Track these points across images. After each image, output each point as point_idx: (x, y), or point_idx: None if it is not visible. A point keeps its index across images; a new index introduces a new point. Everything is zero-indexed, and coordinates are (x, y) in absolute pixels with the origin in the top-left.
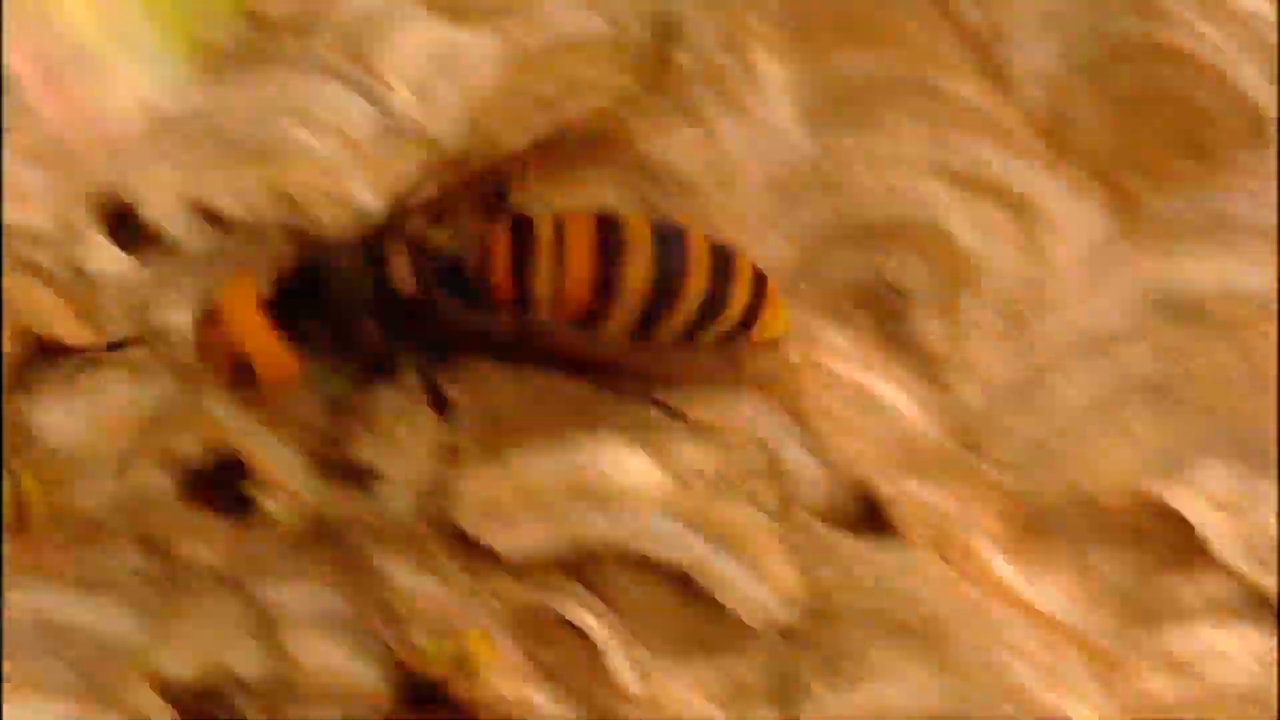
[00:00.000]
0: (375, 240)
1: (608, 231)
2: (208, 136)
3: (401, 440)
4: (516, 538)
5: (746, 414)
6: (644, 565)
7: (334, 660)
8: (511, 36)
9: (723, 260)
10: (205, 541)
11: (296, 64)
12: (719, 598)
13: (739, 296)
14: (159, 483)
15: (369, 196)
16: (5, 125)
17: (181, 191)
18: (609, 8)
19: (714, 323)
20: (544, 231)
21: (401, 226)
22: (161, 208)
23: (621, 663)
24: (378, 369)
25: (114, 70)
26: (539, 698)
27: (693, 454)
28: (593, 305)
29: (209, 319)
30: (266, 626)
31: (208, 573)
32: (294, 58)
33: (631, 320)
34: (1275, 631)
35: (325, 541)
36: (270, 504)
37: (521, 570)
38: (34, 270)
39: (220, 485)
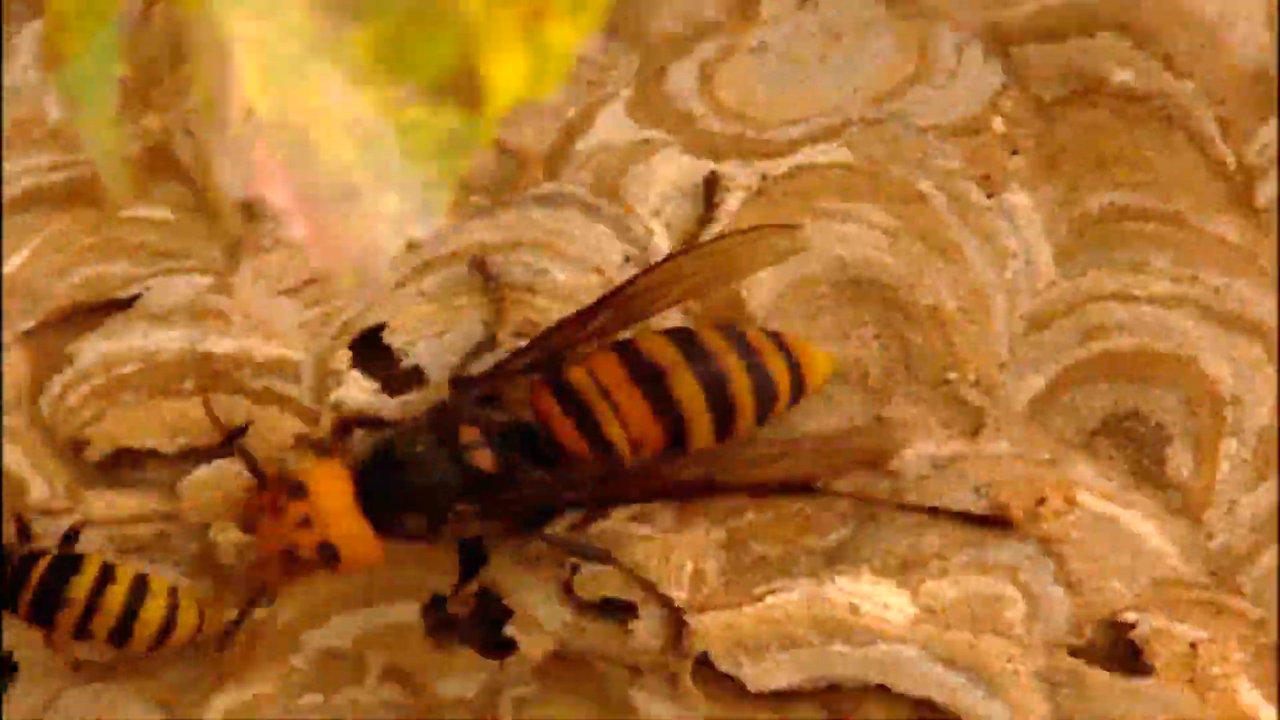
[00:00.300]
0: (442, 421)
1: (633, 359)
2: (458, 267)
3: (653, 574)
4: (765, 671)
5: (1000, 552)
6: (897, 699)
7: None
8: (758, 168)
9: (744, 344)
10: (458, 675)
11: (546, 197)
12: None
13: (779, 367)
14: (410, 618)
15: None
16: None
17: (430, 322)
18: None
19: (774, 402)
20: (580, 379)
21: (465, 404)
22: (409, 337)
23: None
24: (472, 554)
25: (372, 203)
26: None
27: (942, 587)
28: (665, 431)
29: (285, 495)
30: None
31: (460, 705)
32: (544, 191)
33: (707, 431)
34: None
35: (575, 672)
36: (525, 639)
37: (771, 702)
38: (284, 403)
39: (481, 624)
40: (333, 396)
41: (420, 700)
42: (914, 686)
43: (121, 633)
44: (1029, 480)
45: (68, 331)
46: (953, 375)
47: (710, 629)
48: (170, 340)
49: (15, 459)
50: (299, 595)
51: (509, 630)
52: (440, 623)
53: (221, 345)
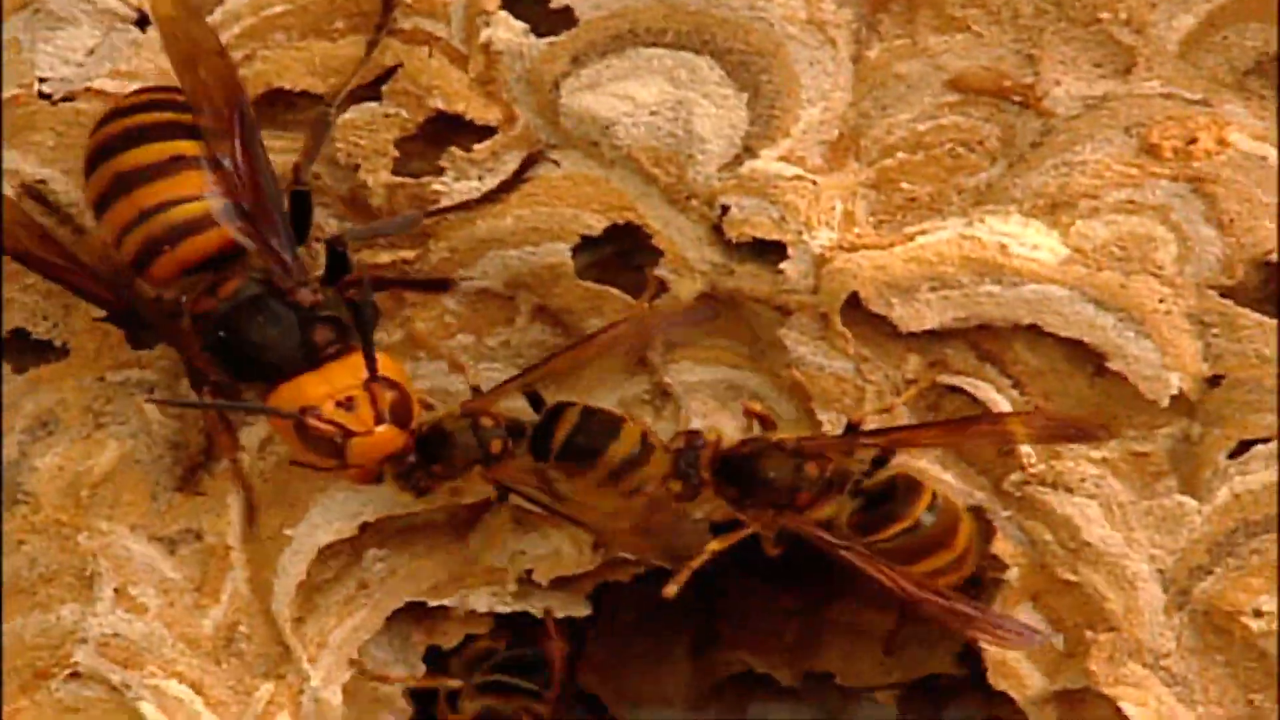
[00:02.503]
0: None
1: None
2: None
3: (803, 214)
4: (915, 311)
5: (1155, 192)
6: (1045, 340)
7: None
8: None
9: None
10: (608, 316)
11: None
12: (1122, 372)
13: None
14: (560, 258)
15: None
16: None
17: None
18: None
19: None
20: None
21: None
22: None
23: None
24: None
25: None
26: (946, 476)
27: (1094, 227)
28: None
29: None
30: (662, 399)
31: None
32: None
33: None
34: None
35: (724, 314)
36: (673, 277)
37: (920, 343)
38: (433, 43)
39: (624, 262)
40: (482, 36)
41: (570, 341)
42: (1064, 327)
43: None
44: (1180, 119)
45: None
46: (1104, 14)
47: (860, 269)
48: None
49: None
50: (449, 234)
51: (659, 271)
52: (591, 264)
53: None
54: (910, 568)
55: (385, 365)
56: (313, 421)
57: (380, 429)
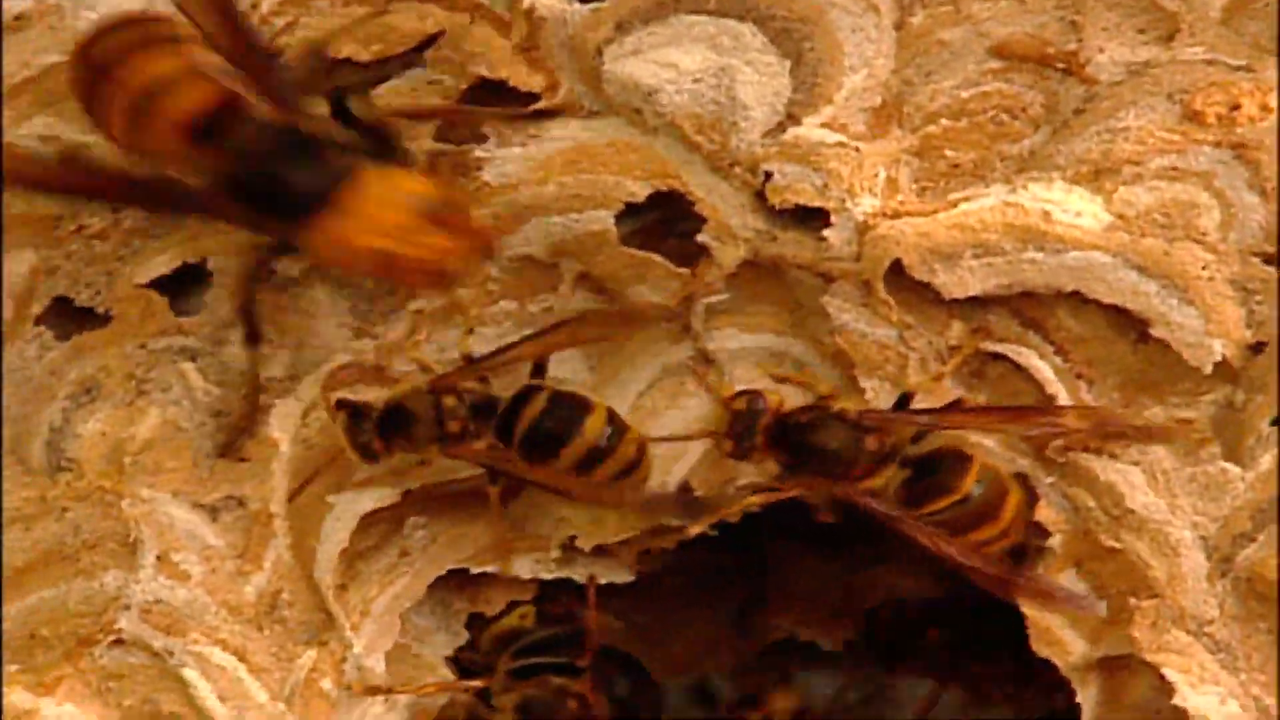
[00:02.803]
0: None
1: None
2: None
3: (846, 180)
4: (958, 278)
5: (1198, 158)
6: (1089, 307)
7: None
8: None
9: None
10: (651, 282)
11: None
12: (1165, 339)
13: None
14: (603, 225)
15: None
16: None
17: None
18: None
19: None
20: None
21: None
22: None
23: (1066, 403)
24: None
25: None
26: (988, 442)
27: (1137, 194)
28: None
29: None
30: (705, 365)
31: (654, 312)
32: None
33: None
34: None
35: (767, 281)
36: (715, 244)
37: (963, 310)
38: (477, 10)
39: (667, 229)
40: (525, 2)
41: (613, 307)
42: (1107, 293)
43: None
44: (1223, 86)
45: None
46: None
47: (903, 236)
48: None
49: None
50: (492, 200)
51: (702, 238)
52: (634, 231)
53: None
54: (957, 538)
55: (411, 180)
56: (405, 253)
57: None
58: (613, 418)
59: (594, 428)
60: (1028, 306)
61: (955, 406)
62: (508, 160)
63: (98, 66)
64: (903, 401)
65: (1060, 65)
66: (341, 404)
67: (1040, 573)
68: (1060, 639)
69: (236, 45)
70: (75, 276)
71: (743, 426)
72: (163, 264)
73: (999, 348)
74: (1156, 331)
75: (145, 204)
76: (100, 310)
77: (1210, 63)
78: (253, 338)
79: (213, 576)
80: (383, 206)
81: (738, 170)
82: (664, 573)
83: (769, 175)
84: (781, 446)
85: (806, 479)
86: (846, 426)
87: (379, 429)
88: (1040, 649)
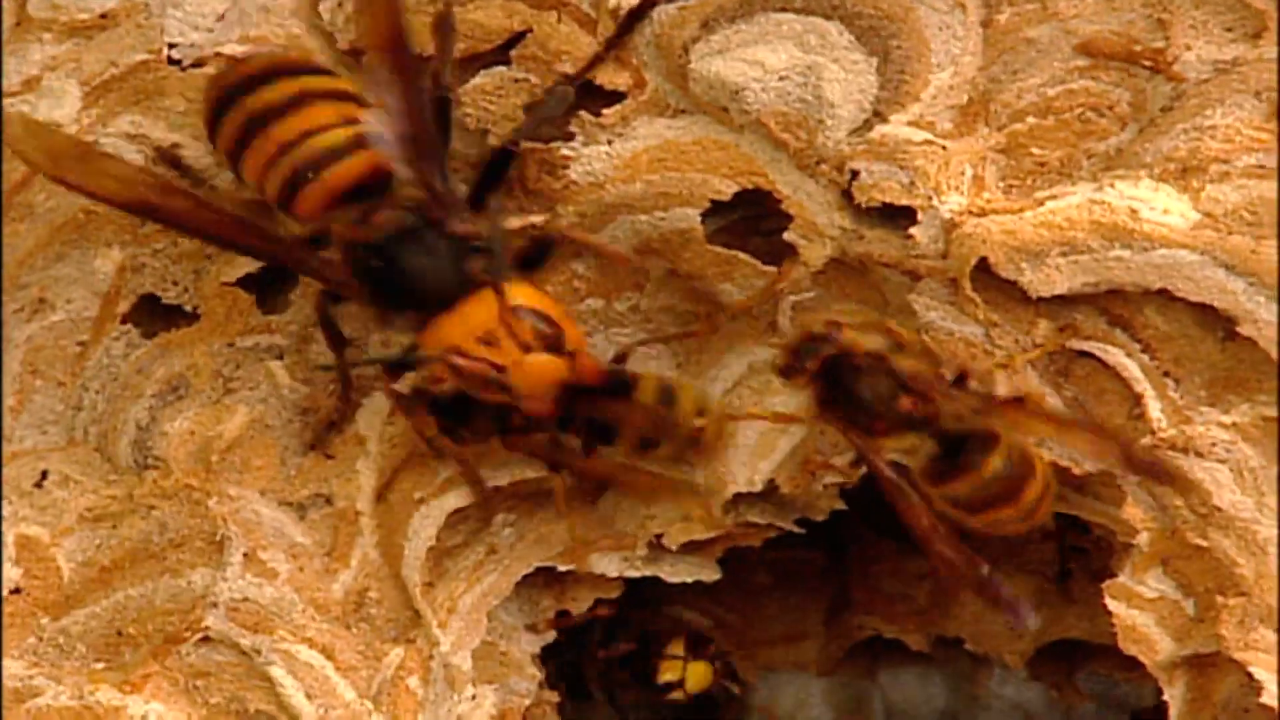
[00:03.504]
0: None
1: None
2: None
3: (932, 178)
4: (1045, 276)
5: None
6: (1176, 305)
7: None
8: None
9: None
10: (738, 281)
11: None
12: (1252, 337)
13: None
14: (690, 223)
15: None
16: None
17: None
18: None
19: None
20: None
21: None
22: None
23: (1153, 401)
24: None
25: None
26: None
27: (1224, 192)
28: None
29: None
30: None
31: (738, 309)
32: None
33: None
34: None
35: (854, 279)
36: (802, 242)
37: (1050, 308)
38: (562, 8)
39: (753, 227)
40: (611, 1)
41: (700, 306)
42: (1194, 292)
43: None
44: None
45: None
46: None
47: (990, 234)
48: None
49: None
50: (579, 199)
51: (788, 236)
52: (720, 229)
53: None
54: (972, 517)
55: (527, 295)
56: (460, 362)
57: (532, 358)
58: (665, 388)
59: (645, 393)
60: (1114, 305)
61: (1015, 403)
62: (594, 159)
63: (251, 117)
64: (959, 381)
65: (1147, 63)
66: (404, 396)
67: (995, 573)
68: (1147, 637)
69: (406, 111)
70: (162, 274)
71: (805, 348)
72: (249, 262)
73: (1086, 346)
74: (1243, 329)
75: (245, 253)
76: (188, 308)
77: None
78: (336, 344)
79: (300, 574)
80: (481, 327)
81: (824, 168)
82: (753, 572)
83: (855, 173)
84: (825, 381)
85: (833, 419)
86: (888, 381)
87: (440, 420)
88: (1128, 647)
